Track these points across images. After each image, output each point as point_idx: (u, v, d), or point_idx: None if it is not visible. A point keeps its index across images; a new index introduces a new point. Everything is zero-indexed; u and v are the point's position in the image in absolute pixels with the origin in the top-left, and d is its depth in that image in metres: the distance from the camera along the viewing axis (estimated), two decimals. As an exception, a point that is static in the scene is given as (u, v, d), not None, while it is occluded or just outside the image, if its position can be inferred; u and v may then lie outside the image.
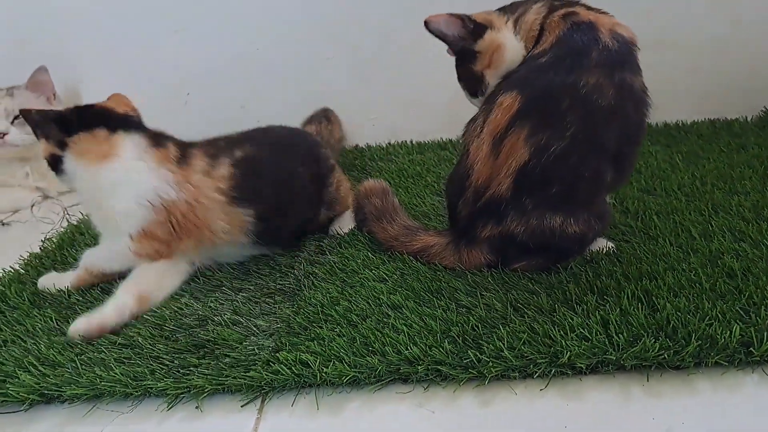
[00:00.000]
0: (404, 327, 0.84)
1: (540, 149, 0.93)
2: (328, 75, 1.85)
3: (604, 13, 0.97)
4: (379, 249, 1.10)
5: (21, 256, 1.24)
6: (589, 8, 0.97)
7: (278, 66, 1.85)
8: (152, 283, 1.02)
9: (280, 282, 1.04)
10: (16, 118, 1.64)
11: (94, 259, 1.07)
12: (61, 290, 1.06)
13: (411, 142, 1.85)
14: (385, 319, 0.87)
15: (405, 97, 1.86)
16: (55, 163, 1.07)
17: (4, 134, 1.60)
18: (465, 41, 1.08)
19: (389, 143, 1.86)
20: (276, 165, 1.16)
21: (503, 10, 1.11)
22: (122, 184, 1.02)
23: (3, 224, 1.57)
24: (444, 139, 1.84)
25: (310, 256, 1.12)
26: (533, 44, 1.04)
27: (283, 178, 1.15)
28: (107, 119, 1.09)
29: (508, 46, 1.05)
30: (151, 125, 1.83)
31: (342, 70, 1.85)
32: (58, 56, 1.80)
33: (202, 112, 1.89)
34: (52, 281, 1.08)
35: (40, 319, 0.97)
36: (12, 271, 1.17)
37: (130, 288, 0.99)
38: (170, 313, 0.96)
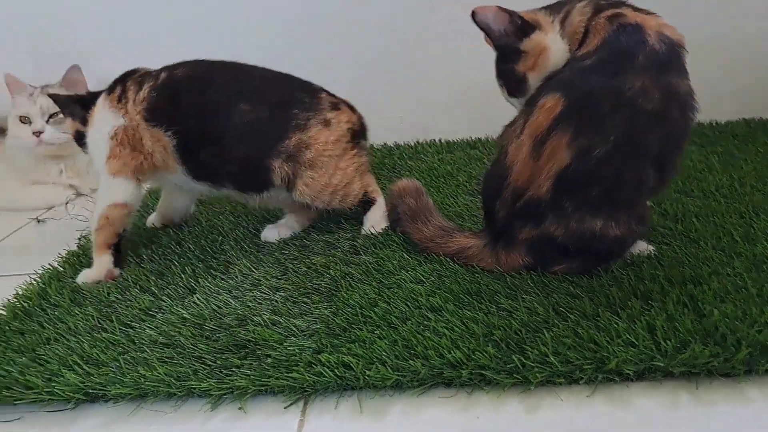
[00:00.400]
0: (445, 330, 0.84)
1: (582, 153, 0.92)
2: (356, 73, 1.85)
3: (651, 13, 0.95)
4: (414, 250, 1.10)
5: (59, 253, 1.25)
6: (636, 9, 0.96)
7: (306, 63, 1.84)
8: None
9: (316, 282, 1.04)
10: (51, 116, 1.66)
11: (97, 207, 1.17)
12: (100, 286, 1.07)
13: (440, 140, 1.84)
14: (425, 322, 0.87)
15: (435, 96, 1.85)
16: (80, 139, 1.25)
17: (40, 132, 1.62)
18: (509, 38, 1.07)
19: (418, 142, 1.85)
20: (202, 92, 1.16)
21: (549, 9, 1.09)
22: (97, 133, 1.20)
23: (38, 221, 1.59)
24: (473, 138, 1.83)
25: (345, 256, 1.12)
26: (577, 45, 1.03)
27: (210, 106, 1.15)
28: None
29: (554, 49, 1.03)
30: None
31: (370, 67, 1.85)
32: (88, 55, 1.81)
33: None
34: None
35: (82, 317, 0.98)
36: (51, 268, 1.18)
37: None
38: (210, 312, 0.96)
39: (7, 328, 0.97)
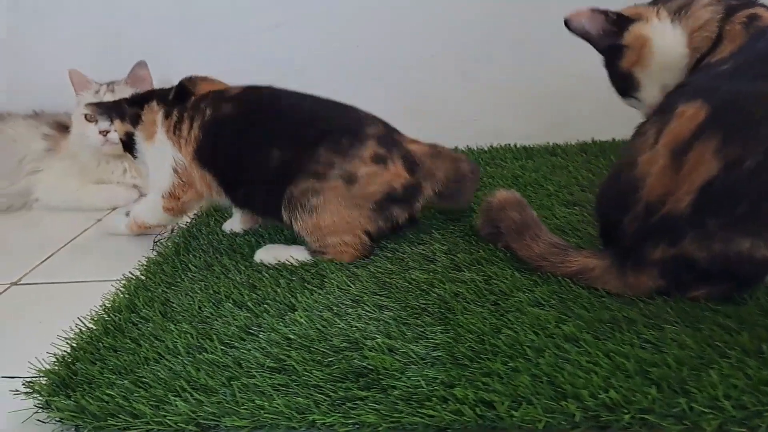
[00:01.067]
0: (591, 365, 0.76)
1: (731, 164, 0.83)
2: (429, 74, 1.77)
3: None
4: (523, 267, 1.02)
5: (139, 261, 1.19)
6: (769, 8, 0.88)
7: (377, 64, 1.78)
8: None
9: (423, 301, 0.96)
10: (117, 114, 1.60)
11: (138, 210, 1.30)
12: (190, 300, 1.01)
13: (515, 145, 1.76)
14: (563, 354, 0.79)
15: (510, 98, 1.77)
16: (129, 140, 1.28)
17: (107, 132, 1.56)
18: (610, 37, 1.00)
19: (492, 146, 1.77)
20: (241, 137, 1.13)
21: (655, 1, 1.03)
22: (159, 155, 1.22)
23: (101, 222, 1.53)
24: (550, 144, 1.74)
25: (447, 272, 1.05)
26: (708, 48, 0.95)
27: (246, 152, 1.12)
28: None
29: (659, 39, 0.96)
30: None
31: (444, 68, 1.77)
32: (152, 51, 1.75)
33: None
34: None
35: (178, 335, 0.92)
36: (134, 278, 1.12)
37: None
38: (315, 332, 0.89)
39: (101, 345, 0.91)
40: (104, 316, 0.99)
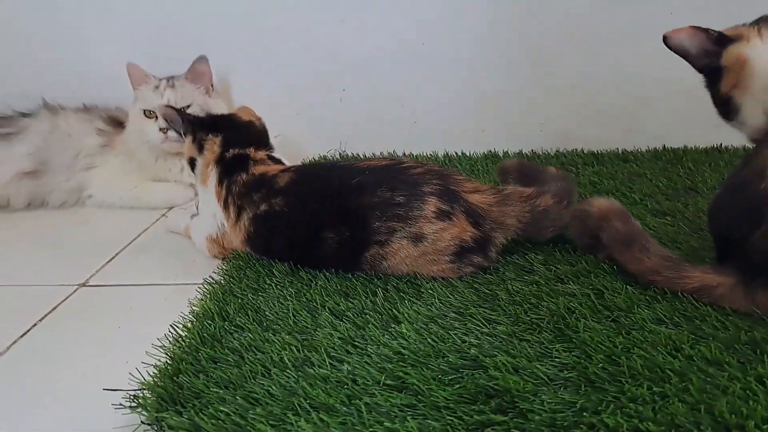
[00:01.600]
0: (745, 392, 0.70)
1: None
2: (496, 73, 1.72)
3: None
4: (632, 281, 0.97)
5: (219, 265, 1.15)
6: None
7: (443, 62, 1.72)
8: None
9: (533, 315, 0.91)
10: (179, 112, 1.55)
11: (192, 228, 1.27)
12: (284, 307, 0.96)
13: (582, 150, 1.70)
14: (711, 379, 0.73)
15: (580, 101, 1.71)
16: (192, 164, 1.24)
17: (167, 129, 1.51)
18: (709, 57, 0.96)
19: (558, 151, 1.72)
20: (294, 228, 1.08)
21: (757, 21, 0.98)
22: (208, 202, 1.20)
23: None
24: (620, 150, 1.68)
25: (550, 284, 0.99)
26: None
27: (299, 240, 1.08)
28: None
29: (760, 60, 0.91)
30: (305, 120, 1.77)
31: (511, 68, 1.71)
32: (210, 45, 1.70)
33: (358, 108, 1.78)
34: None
35: (280, 346, 0.86)
36: (216, 282, 1.07)
37: None
38: (428, 348, 0.84)
39: (200, 356, 0.86)
40: (197, 323, 0.94)
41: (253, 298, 1.00)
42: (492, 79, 1.71)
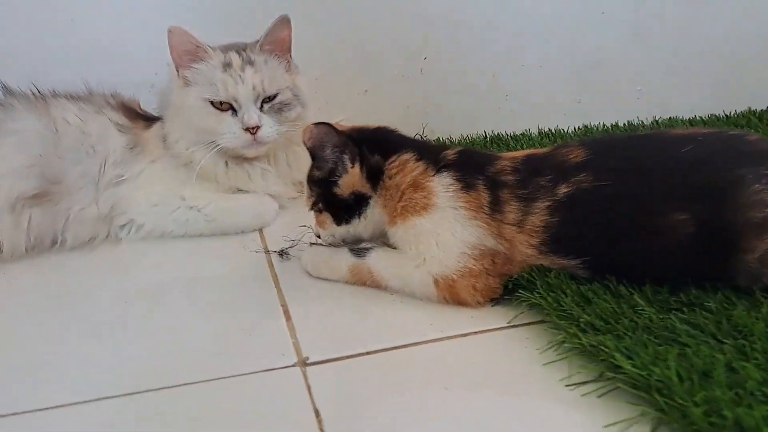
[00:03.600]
0: None
1: None
2: (596, 35, 1.50)
3: None
4: None
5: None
6: None
7: (545, 21, 1.46)
8: None
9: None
10: (265, 101, 1.13)
11: (382, 267, 0.90)
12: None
13: (681, 118, 1.59)
14: None
15: (680, 63, 1.57)
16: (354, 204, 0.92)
17: (257, 128, 1.09)
18: None
19: (656, 119, 1.58)
20: (620, 211, 0.81)
21: None
22: (436, 228, 0.86)
23: (282, 255, 1.06)
24: (704, 117, 1.59)
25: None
26: None
27: (634, 225, 0.80)
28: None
29: None
30: (377, 92, 1.41)
31: (612, 29, 1.51)
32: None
33: (442, 81, 1.46)
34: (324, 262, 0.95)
35: None
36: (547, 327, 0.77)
37: None
38: None
39: None
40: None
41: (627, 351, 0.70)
42: (591, 42, 1.50)
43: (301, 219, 1.07)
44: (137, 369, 0.78)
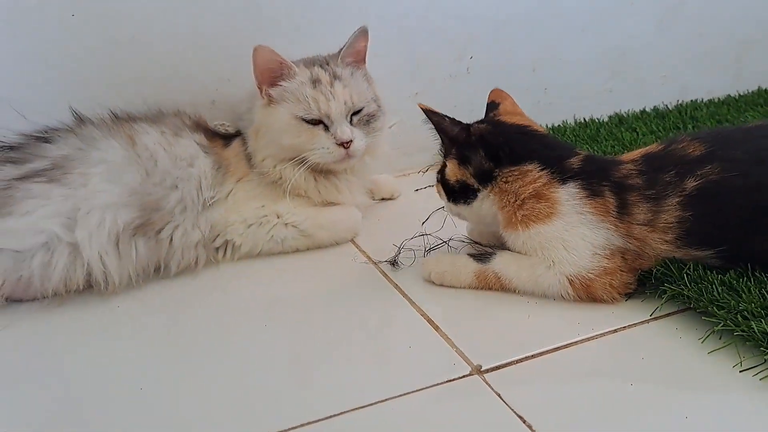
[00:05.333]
0: None
1: None
2: (627, 23, 1.58)
3: None
4: None
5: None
6: None
7: (576, 17, 1.53)
8: None
9: None
10: (354, 114, 1.15)
11: (511, 272, 0.96)
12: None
13: (702, 100, 1.69)
14: None
15: (696, 51, 1.67)
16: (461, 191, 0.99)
17: (349, 142, 1.12)
18: None
19: (679, 103, 1.68)
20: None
21: None
22: (562, 234, 0.92)
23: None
24: (721, 97, 1.70)
25: None
26: None
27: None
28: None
29: None
30: (427, 94, 1.44)
31: (642, 17, 1.59)
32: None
33: (487, 79, 1.50)
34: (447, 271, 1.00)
35: None
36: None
37: None
38: None
39: None
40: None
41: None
42: (621, 32, 1.58)
43: (384, 226, 1.18)
44: (318, 395, 0.80)
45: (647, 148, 0.98)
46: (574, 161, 0.96)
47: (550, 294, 0.94)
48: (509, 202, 0.95)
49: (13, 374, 0.88)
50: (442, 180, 1.02)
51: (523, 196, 0.94)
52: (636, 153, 0.97)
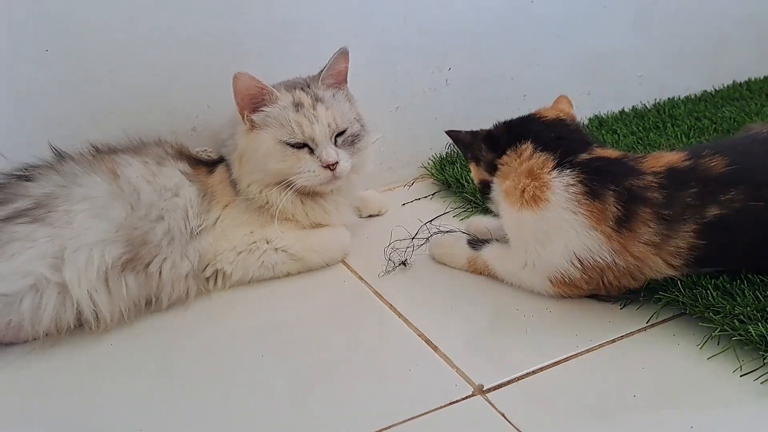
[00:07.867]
0: None
1: None
2: (601, 27, 1.60)
3: None
4: None
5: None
6: None
7: (551, 24, 1.54)
8: None
9: None
10: (338, 135, 1.15)
11: (497, 263, 1.02)
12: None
13: (678, 97, 1.72)
14: None
15: (676, 47, 1.69)
16: (484, 189, 1.04)
17: (335, 164, 1.11)
18: None
19: (656, 101, 1.70)
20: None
21: None
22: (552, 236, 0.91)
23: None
24: (697, 94, 1.72)
25: None
26: None
27: None
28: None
29: None
30: (408, 108, 1.44)
31: (616, 20, 1.60)
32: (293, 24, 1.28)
33: (466, 89, 1.51)
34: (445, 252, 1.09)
35: None
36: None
37: None
38: None
39: None
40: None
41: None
42: (596, 35, 1.59)
43: (374, 242, 1.18)
44: (320, 426, 0.80)
45: (671, 157, 0.90)
46: (587, 156, 0.92)
47: (531, 289, 0.98)
48: (506, 177, 0.96)
49: (8, 419, 0.86)
50: (476, 185, 1.07)
51: (518, 171, 0.94)
52: (662, 162, 0.90)
